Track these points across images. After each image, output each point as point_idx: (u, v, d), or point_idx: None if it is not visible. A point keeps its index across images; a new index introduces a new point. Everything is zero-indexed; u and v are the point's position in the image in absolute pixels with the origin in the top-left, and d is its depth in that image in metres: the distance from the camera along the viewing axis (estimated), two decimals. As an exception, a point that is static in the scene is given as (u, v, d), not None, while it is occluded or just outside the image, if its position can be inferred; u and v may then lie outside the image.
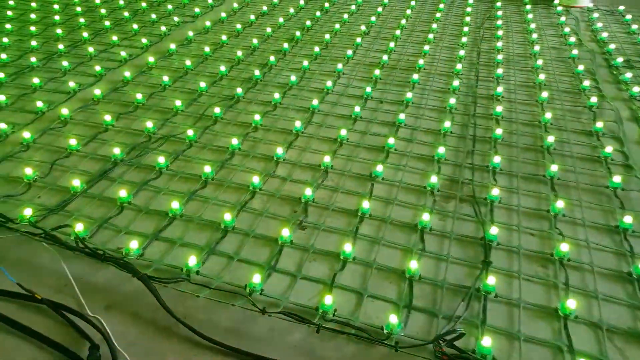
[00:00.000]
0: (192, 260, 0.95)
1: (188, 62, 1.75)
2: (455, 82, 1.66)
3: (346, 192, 1.19)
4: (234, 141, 1.32)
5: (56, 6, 2.29)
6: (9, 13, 2.18)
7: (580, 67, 1.79)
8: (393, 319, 0.84)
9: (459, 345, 0.81)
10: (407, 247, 1.03)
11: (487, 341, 0.81)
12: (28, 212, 1.04)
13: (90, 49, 1.84)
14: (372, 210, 1.12)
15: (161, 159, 1.24)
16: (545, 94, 1.59)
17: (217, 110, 1.46)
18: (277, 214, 1.12)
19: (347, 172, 1.25)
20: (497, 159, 1.28)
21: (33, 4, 2.31)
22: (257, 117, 1.43)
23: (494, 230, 1.05)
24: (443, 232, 1.08)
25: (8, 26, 2.04)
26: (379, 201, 1.16)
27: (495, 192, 1.16)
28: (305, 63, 1.77)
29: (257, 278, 0.92)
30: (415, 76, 1.70)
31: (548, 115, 1.49)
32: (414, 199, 1.17)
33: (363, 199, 1.14)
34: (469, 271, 0.99)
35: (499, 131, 1.40)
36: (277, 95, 1.55)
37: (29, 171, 1.18)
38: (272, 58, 1.80)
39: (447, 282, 0.95)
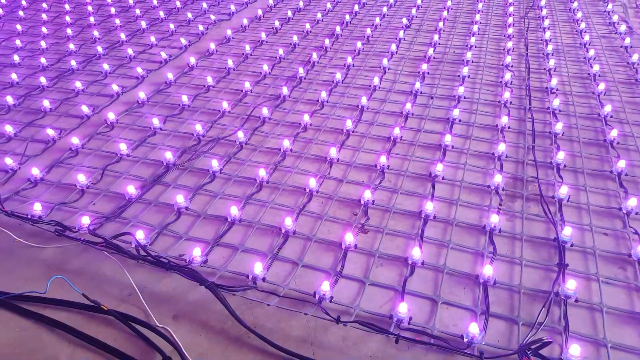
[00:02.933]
0: (258, 267, 0.94)
1: (229, 61, 1.75)
2: (507, 75, 1.62)
3: (405, 192, 1.16)
4: (285, 142, 1.31)
5: (90, 7, 2.32)
6: (44, 15, 2.21)
7: (635, 57, 1.73)
8: (473, 328, 0.82)
9: (544, 353, 0.78)
10: (477, 249, 1.01)
11: (575, 349, 0.78)
12: (86, 220, 1.05)
13: (129, 50, 1.85)
14: (435, 212, 1.09)
15: (214, 162, 1.23)
16: (601, 86, 1.54)
17: (264, 110, 1.45)
18: (336, 217, 1.10)
19: (404, 172, 1.23)
20: (561, 155, 1.24)
21: (67, 6, 2.34)
22: (305, 116, 1.42)
23: (567, 231, 1.01)
24: (513, 233, 1.05)
25: (44, 29, 2.06)
26: (441, 202, 1.14)
27: (563, 190, 1.13)
28: (349, 59, 1.74)
29: (325, 286, 0.90)
30: (464, 69, 1.66)
31: (607, 107, 1.44)
32: (478, 199, 1.14)
33: (425, 200, 1.11)
34: (544, 274, 0.96)
35: (558, 126, 1.36)
36: (323, 94, 1.53)
37: (81, 178, 1.19)
38: (314, 54, 1.78)
39: (523, 286, 0.93)
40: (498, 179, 1.16)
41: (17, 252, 1.02)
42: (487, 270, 0.93)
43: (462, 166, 1.24)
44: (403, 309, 0.85)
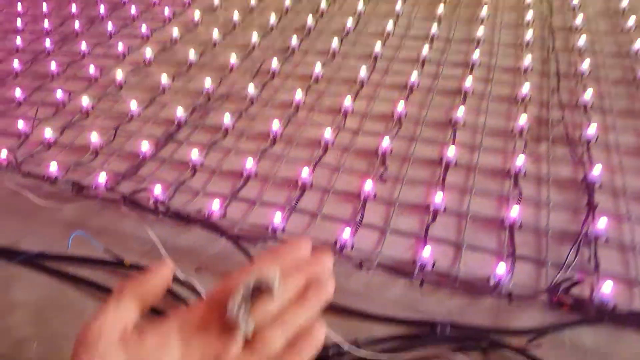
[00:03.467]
0: (277, 217, 0.93)
1: (235, 14, 1.71)
2: (528, 15, 1.56)
3: (425, 140, 1.14)
4: (297, 95, 1.28)
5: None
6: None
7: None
8: (501, 268, 0.81)
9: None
10: (502, 193, 0.99)
11: (607, 286, 0.77)
12: (102, 178, 1.05)
13: (132, 9, 1.81)
14: (457, 158, 1.07)
15: (226, 119, 1.22)
16: (631, 20, 1.47)
17: (273, 63, 1.42)
18: (354, 167, 1.09)
19: (422, 120, 1.20)
20: (587, 94, 1.20)
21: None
22: (316, 67, 1.38)
23: (597, 170, 0.99)
24: (538, 176, 1.03)
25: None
26: (463, 148, 1.11)
27: (591, 129, 1.09)
28: (360, 4, 1.69)
29: (346, 234, 0.89)
30: (483, 11, 1.59)
31: (638, 44, 1.38)
32: (501, 143, 1.12)
33: (445, 147, 1.09)
34: (572, 216, 0.94)
35: (584, 65, 1.31)
36: (335, 42, 1.49)
37: (94, 137, 1.18)
38: (323, 2, 1.72)
39: (551, 228, 0.91)
40: (522, 120, 1.13)
41: (36, 214, 1.02)
42: (513, 213, 0.91)
43: (483, 111, 1.21)
44: (426, 253, 0.85)
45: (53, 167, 1.09)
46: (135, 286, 0.35)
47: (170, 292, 0.84)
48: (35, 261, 0.91)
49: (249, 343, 0.34)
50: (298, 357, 0.34)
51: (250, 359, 0.34)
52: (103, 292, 0.86)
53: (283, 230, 0.94)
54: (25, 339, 0.79)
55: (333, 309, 0.80)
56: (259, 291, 0.34)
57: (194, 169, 1.11)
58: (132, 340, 0.33)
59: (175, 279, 0.85)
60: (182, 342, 0.34)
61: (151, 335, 0.34)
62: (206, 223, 0.92)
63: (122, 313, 0.34)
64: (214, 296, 0.36)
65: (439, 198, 0.96)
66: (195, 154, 1.11)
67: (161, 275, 0.36)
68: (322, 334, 0.35)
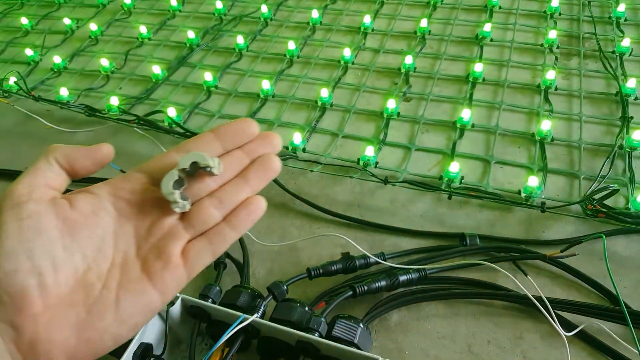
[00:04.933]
0: (297, 138, 0.90)
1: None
2: None
3: (450, 58, 1.09)
4: (314, 14, 1.22)
5: None
6: None
7: None
8: (532, 181, 0.78)
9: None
10: (532, 109, 0.95)
11: (644, 198, 0.74)
12: (115, 101, 1.02)
13: None
14: (484, 74, 1.02)
15: (240, 40, 1.17)
16: None
17: (287, -16, 1.35)
18: (375, 87, 1.04)
19: (447, 37, 1.14)
20: (621, 7, 1.13)
21: None
22: (333, -13, 1.31)
23: (631, 83, 0.93)
24: (570, 90, 0.98)
25: None
26: (490, 64, 1.06)
27: (625, 42, 1.03)
28: None
29: (370, 150, 0.86)
30: None
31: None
32: (531, 59, 1.06)
33: (472, 63, 1.03)
34: (606, 129, 0.90)
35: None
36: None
37: (105, 62, 1.14)
38: None
39: (584, 141, 0.87)
40: (552, 35, 1.06)
41: (50, 138, 1.00)
42: (545, 126, 0.87)
43: (511, 26, 1.14)
44: (454, 167, 0.82)
45: (64, 92, 1.07)
46: (68, 151, 0.33)
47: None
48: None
49: (184, 215, 0.34)
50: (234, 230, 0.34)
51: (184, 231, 0.33)
52: (123, 211, 0.84)
53: (304, 150, 0.91)
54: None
55: (357, 224, 0.79)
56: (198, 168, 0.33)
57: (209, 92, 1.07)
58: (63, 204, 0.31)
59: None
60: (115, 210, 0.33)
61: (83, 200, 0.32)
62: (225, 142, 0.90)
63: (53, 174, 0.32)
64: (151, 170, 0.35)
65: (466, 114, 0.92)
66: (209, 77, 1.07)
67: (95, 150, 0.34)
68: (259, 208, 0.35)
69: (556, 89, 0.98)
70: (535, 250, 0.72)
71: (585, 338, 0.62)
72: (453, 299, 0.68)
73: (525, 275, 0.67)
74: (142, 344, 0.55)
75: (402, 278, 0.66)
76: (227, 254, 0.72)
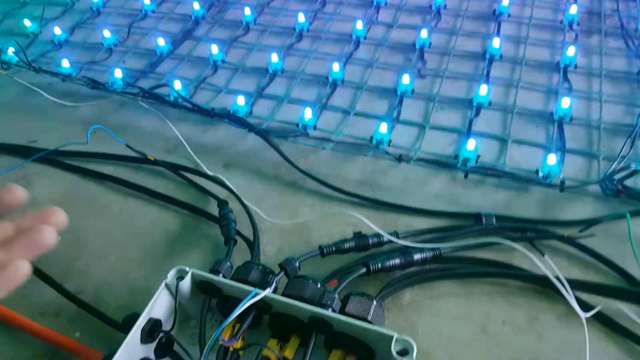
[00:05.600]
0: (308, 114, 0.90)
1: None
2: None
3: (466, 34, 1.08)
4: (324, -12, 1.21)
5: None
6: None
7: None
8: (551, 159, 0.77)
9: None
10: (551, 87, 0.94)
11: (666, 179, 0.74)
12: (119, 73, 1.01)
13: None
14: (502, 51, 1.01)
15: (247, 12, 1.16)
16: None
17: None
18: (388, 63, 1.04)
19: (463, 12, 1.13)
20: (645, -15, 1.12)
21: None
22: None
23: (655, 62, 0.93)
24: (589, 69, 0.97)
25: None
26: (508, 41, 1.05)
27: (649, 21, 1.02)
28: None
29: (383, 127, 0.86)
30: None
31: None
32: (550, 36, 1.05)
33: (489, 40, 1.02)
34: (626, 109, 0.90)
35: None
36: None
37: (107, 34, 1.14)
38: None
39: (603, 121, 0.87)
40: (572, 11, 1.06)
41: (52, 112, 1.00)
42: (564, 104, 0.87)
43: (529, 2, 1.13)
44: (470, 145, 0.81)
45: (65, 64, 1.06)
46: None
47: (200, 188, 0.83)
48: (55, 158, 0.90)
49: None
50: None
51: None
52: (128, 187, 0.85)
53: (314, 127, 0.91)
54: (52, 231, 0.79)
55: (369, 203, 0.79)
56: None
57: (215, 66, 1.07)
58: None
59: (204, 175, 0.84)
60: None
61: None
62: (233, 117, 0.90)
63: None
64: None
65: (483, 91, 0.91)
66: (215, 50, 1.06)
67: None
68: (19, 271, 0.38)
69: (575, 67, 0.97)
70: (552, 231, 0.72)
71: (602, 319, 0.62)
72: (468, 279, 0.68)
73: (543, 255, 0.67)
74: (150, 319, 0.56)
75: (416, 257, 0.67)
76: (237, 231, 0.72)
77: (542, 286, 0.66)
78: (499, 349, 0.61)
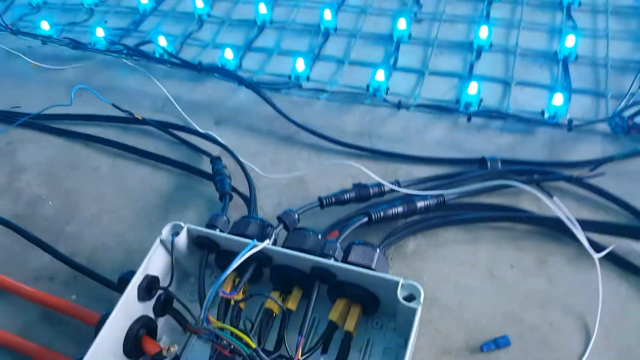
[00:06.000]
0: (300, 65, 0.87)
1: None
2: None
3: (464, -25, 1.04)
4: None
5: None
6: None
7: None
8: (557, 99, 0.75)
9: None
10: (554, 26, 0.91)
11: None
12: (101, 32, 0.98)
13: None
14: (501, -9, 0.97)
15: (232, -37, 1.11)
16: None
17: None
18: (383, 8, 1.00)
19: (460, -47, 1.08)
20: None
21: None
22: None
23: (664, -5, 0.89)
24: (594, 6, 0.93)
25: None
26: (507, -20, 1.01)
27: (657, -48, 0.98)
28: None
29: (380, 75, 0.83)
30: None
31: None
32: (552, -27, 1.01)
33: (487, -21, 0.98)
34: (634, 45, 0.86)
35: None
36: None
37: (87, -5, 1.09)
38: None
39: (610, 59, 0.84)
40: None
41: (35, 76, 0.97)
42: (568, 43, 0.83)
43: (529, -62, 1.09)
44: (472, 89, 0.79)
45: (45, 26, 1.02)
46: None
47: (191, 146, 0.80)
48: (39, 122, 0.87)
49: None
50: None
51: None
52: (116, 148, 0.82)
53: (308, 78, 0.88)
54: (39, 198, 0.77)
55: (368, 153, 0.77)
56: None
57: (201, 20, 1.03)
58: None
59: (195, 133, 0.81)
60: None
61: None
62: (222, 70, 0.86)
63: None
64: None
65: (483, 33, 0.88)
66: (200, 4, 1.02)
67: None
68: None
69: (580, 4, 0.93)
70: (560, 172, 0.70)
71: (615, 259, 0.61)
72: (472, 225, 0.67)
73: (551, 197, 0.65)
74: (147, 276, 0.54)
75: (420, 204, 0.65)
76: (232, 187, 0.70)
77: (551, 229, 0.65)
78: (508, 292, 0.60)
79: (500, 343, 0.55)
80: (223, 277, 0.49)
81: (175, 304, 0.57)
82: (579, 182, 0.68)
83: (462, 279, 0.62)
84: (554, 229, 0.64)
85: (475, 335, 0.56)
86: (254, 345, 0.45)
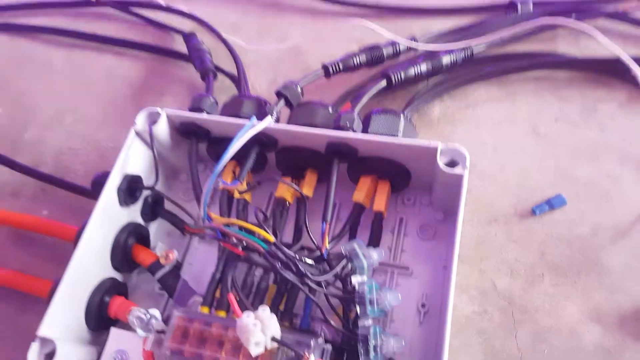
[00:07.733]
0: None
1: None
2: None
3: None
4: None
5: None
6: None
7: None
8: None
9: None
10: None
11: None
12: None
13: None
14: None
15: None
16: None
17: None
18: None
19: None
20: None
21: None
22: None
23: None
24: None
25: None
26: None
27: None
28: None
29: None
30: None
31: None
32: None
33: None
34: None
35: None
36: None
37: None
38: None
39: None
40: None
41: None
42: None
43: None
44: None
45: None
46: None
47: (158, 25, 0.67)
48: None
49: None
50: None
51: None
52: (70, 37, 0.69)
53: None
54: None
55: (374, 9, 0.65)
56: None
57: None
58: None
59: (160, 8, 0.68)
60: None
61: None
62: None
63: None
64: None
65: None
66: None
67: None
68: None
69: None
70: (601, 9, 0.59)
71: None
72: (506, 77, 0.57)
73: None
74: (126, 175, 0.44)
75: (445, 60, 0.54)
76: (215, 66, 0.59)
77: (597, 72, 0.55)
78: (555, 149, 0.51)
79: (554, 203, 0.47)
80: (221, 164, 0.40)
81: (168, 205, 0.48)
82: (624, 17, 0.57)
83: (500, 141, 0.53)
84: (600, 72, 0.55)
85: (523, 199, 0.48)
86: (272, 238, 0.36)
